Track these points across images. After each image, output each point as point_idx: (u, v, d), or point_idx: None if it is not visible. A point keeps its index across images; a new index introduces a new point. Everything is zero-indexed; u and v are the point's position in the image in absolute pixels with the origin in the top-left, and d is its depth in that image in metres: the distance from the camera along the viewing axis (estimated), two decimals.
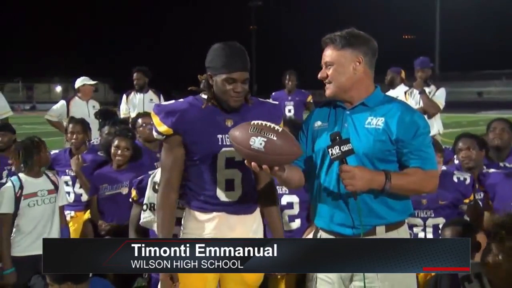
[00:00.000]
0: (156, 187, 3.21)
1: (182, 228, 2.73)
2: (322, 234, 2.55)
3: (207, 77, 2.58)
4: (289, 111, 8.00)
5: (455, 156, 4.32)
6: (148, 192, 3.35)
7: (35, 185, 3.97)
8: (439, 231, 3.57)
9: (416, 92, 6.63)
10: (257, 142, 2.21)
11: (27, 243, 3.91)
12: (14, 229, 3.91)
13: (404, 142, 2.37)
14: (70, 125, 5.10)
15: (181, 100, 2.64)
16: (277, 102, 2.81)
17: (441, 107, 6.60)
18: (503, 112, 36.24)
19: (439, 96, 6.60)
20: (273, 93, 8.33)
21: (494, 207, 3.47)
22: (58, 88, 74.37)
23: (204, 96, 2.63)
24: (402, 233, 2.49)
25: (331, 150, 2.28)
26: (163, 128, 2.56)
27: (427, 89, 6.59)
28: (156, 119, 2.58)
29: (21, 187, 3.90)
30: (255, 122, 2.28)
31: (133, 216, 3.68)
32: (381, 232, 2.42)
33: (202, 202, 2.64)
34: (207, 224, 2.64)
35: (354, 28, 2.50)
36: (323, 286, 2.53)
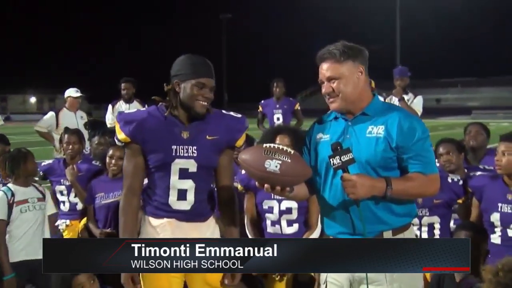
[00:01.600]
0: None
1: (139, 232, 2.71)
2: None
3: (174, 85, 2.58)
4: (278, 119, 7.97)
5: (436, 160, 4.38)
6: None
7: (25, 193, 4.00)
8: (434, 230, 3.62)
9: (395, 99, 6.74)
10: (273, 165, 2.23)
11: (18, 249, 3.89)
12: (7, 236, 3.90)
13: (404, 148, 2.36)
14: (66, 136, 5.02)
15: (143, 109, 2.68)
16: (240, 116, 2.77)
17: (419, 113, 6.71)
18: (460, 117, 37.18)
19: (417, 103, 6.75)
20: (262, 101, 8.30)
21: (482, 207, 3.50)
22: (33, 99, 73.04)
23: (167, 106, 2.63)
24: (408, 236, 2.47)
25: (332, 160, 2.28)
26: (121, 136, 2.60)
27: (405, 97, 6.72)
28: (117, 127, 2.61)
29: (13, 195, 3.93)
30: (268, 145, 2.29)
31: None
32: (387, 236, 2.40)
33: (155, 208, 2.65)
34: (158, 229, 2.64)
35: (343, 41, 2.48)
36: None
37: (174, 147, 2.56)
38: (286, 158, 2.24)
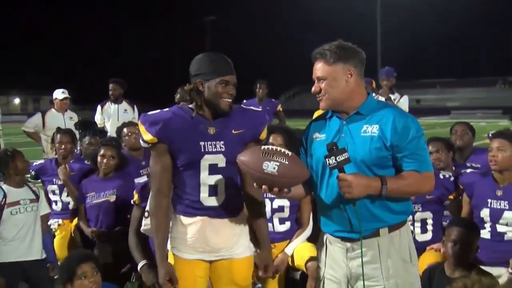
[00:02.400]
0: None
1: (170, 231, 2.68)
2: (329, 238, 2.53)
3: (197, 84, 2.55)
4: None
5: None
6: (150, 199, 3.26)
7: (17, 194, 3.93)
8: (426, 226, 3.64)
9: (382, 99, 6.78)
10: (271, 167, 2.23)
11: (9, 250, 3.84)
12: None
13: (399, 147, 2.35)
14: (58, 136, 4.98)
15: (166, 109, 2.63)
16: (260, 109, 2.81)
17: None
18: (440, 117, 37.51)
19: (403, 103, 6.85)
20: (244, 101, 8.26)
21: (472, 204, 3.54)
22: (17, 100, 72.09)
23: (189, 106, 2.61)
24: (404, 232, 2.47)
25: (328, 160, 2.28)
26: (148, 136, 2.55)
27: (392, 96, 6.80)
28: (142, 128, 2.57)
29: (5, 196, 3.86)
30: (266, 147, 2.30)
31: (133, 219, 3.61)
32: (384, 233, 2.41)
33: (186, 207, 2.62)
34: (191, 227, 2.62)
35: (341, 40, 2.48)
36: (330, 286, 2.51)
37: (202, 143, 2.54)
38: (284, 160, 2.24)
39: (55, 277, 3.80)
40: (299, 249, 3.65)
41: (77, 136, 5.65)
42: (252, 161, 2.27)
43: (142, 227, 3.32)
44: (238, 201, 2.70)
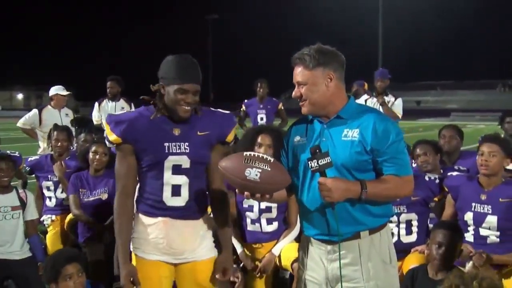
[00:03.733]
0: None
1: (132, 231, 2.65)
2: (311, 240, 2.53)
3: (159, 87, 2.54)
4: (261, 119, 7.91)
5: (413, 161, 4.42)
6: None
7: None
8: (412, 227, 3.64)
9: (374, 100, 6.77)
10: (253, 173, 2.21)
11: None
12: None
13: (379, 151, 2.34)
14: (55, 133, 4.98)
15: (133, 110, 2.63)
16: (228, 112, 2.76)
17: (400, 116, 6.75)
18: (439, 119, 37.48)
19: (398, 105, 6.78)
20: (245, 100, 8.25)
21: (457, 206, 3.54)
22: (20, 96, 72.15)
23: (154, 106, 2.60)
24: (384, 234, 2.47)
25: (310, 163, 2.27)
26: (113, 137, 2.53)
27: (386, 98, 6.74)
28: (107, 128, 2.55)
29: None
30: (248, 153, 2.27)
31: None
32: (364, 236, 2.41)
33: (148, 207, 2.60)
34: (153, 228, 2.59)
35: (320, 43, 2.45)
36: (312, 287, 2.51)
37: (166, 144, 2.52)
38: (266, 167, 2.23)
39: None
40: (286, 250, 3.66)
41: (73, 133, 5.66)
42: (234, 167, 2.25)
43: None
44: (202, 202, 2.68)
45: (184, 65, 2.50)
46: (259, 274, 3.68)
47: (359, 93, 7.57)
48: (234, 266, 3.41)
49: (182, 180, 2.56)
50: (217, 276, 2.64)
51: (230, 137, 2.66)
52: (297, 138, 2.52)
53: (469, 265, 3.17)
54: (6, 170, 3.92)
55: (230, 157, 2.32)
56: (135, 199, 2.65)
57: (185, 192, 2.57)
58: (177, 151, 2.53)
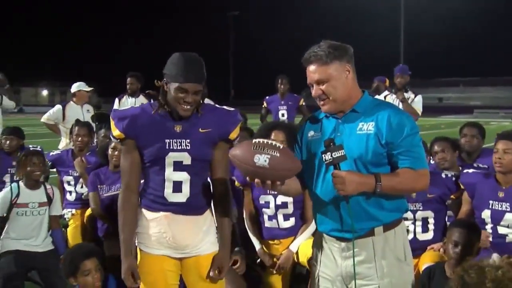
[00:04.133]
0: None
1: (137, 226, 2.68)
2: (324, 237, 2.52)
3: (163, 83, 2.56)
4: (283, 115, 7.90)
5: (430, 158, 4.37)
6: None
7: (28, 197, 3.98)
8: (428, 225, 3.60)
9: (394, 97, 6.70)
10: (262, 159, 2.20)
11: (13, 242, 3.93)
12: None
13: (394, 144, 2.32)
14: (76, 128, 5.08)
15: (137, 106, 2.65)
16: (232, 109, 2.75)
17: (420, 112, 6.68)
18: (461, 116, 36.90)
19: (418, 102, 6.70)
20: (267, 97, 8.25)
21: (473, 204, 3.50)
22: (45, 92, 73.27)
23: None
24: (399, 231, 2.45)
25: (324, 156, 2.26)
26: (116, 132, 2.56)
27: (406, 95, 6.67)
28: (112, 124, 2.58)
29: (18, 195, 3.93)
30: (257, 140, 2.26)
31: None
32: (379, 233, 2.39)
33: (150, 202, 2.62)
34: (154, 222, 2.61)
35: (326, 40, 2.42)
36: (325, 284, 2.51)
37: (167, 140, 2.54)
38: (275, 153, 2.21)
39: None
40: (303, 246, 3.65)
41: (94, 128, 5.73)
42: (243, 154, 2.24)
43: None
44: (204, 198, 2.68)
45: (186, 64, 2.49)
46: (277, 270, 3.69)
47: (380, 89, 7.50)
48: (236, 249, 3.40)
49: (183, 176, 2.58)
50: (211, 274, 2.64)
51: (233, 135, 2.65)
52: (311, 133, 2.51)
53: (494, 256, 3.11)
54: (38, 165, 4.00)
55: (239, 145, 2.32)
56: (139, 194, 2.68)
57: (186, 188, 2.59)
58: (178, 148, 2.54)
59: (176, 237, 2.60)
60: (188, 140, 2.56)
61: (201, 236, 2.65)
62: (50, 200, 4.07)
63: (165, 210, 2.60)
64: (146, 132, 2.54)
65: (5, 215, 3.91)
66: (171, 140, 2.55)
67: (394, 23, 46.39)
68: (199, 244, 2.65)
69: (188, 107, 2.50)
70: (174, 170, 2.56)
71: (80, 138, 4.97)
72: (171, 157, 2.55)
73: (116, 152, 4.40)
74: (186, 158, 2.56)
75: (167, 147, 2.55)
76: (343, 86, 2.37)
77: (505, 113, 38.58)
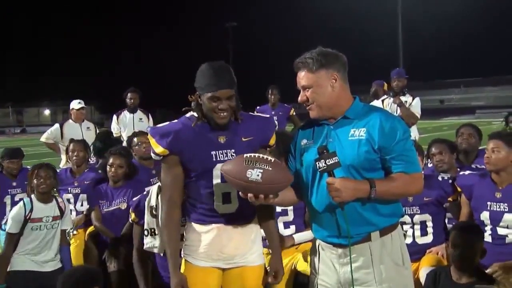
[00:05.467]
0: (153, 211, 3.20)
1: (184, 239, 2.70)
2: (321, 244, 2.53)
3: (196, 97, 2.57)
4: None
5: (428, 160, 4.37)
6: (147, 217, 3.27)
7: (42, 211, 3.97)
8: (427, 228, 3.58)
9: (390, 101, 6.68)
10: (254, 174, 2.22)
11: (24, 259, 3.90)
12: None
13: (386, 149, 2.34)
14: (71, 145, 5.12)
15: (175, 121, 2.63)
16: (268, 116, 2.80)
17: (418, 116, 6.65)
18: (463, 117, 36.87)
19: (416, 105, 6.65)
20: (257, 107, 8.26)
21: (472, 206, 3.48)
22: (47, 112, 73.71)
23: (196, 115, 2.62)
24: (396, 236, 2.45)
25: (318, 163, 2.27)
26: (159, 149, 2.55)
27: (403, 98, 6.64)
28: (152, 141, 2.57)
29: (31, 210, 3.92)
30: (248, 155, 2.27)
31: (134, 236, 3.60)
32: (375, 238, 2.40)
33: (200, 215, 2.63)
34: (206, 235, 2.63)
35: (321, 47, 2.47)
36: None
37: (213, 152, 2.54)
38: (267, 167, 2.23)
39: None
40: (304, 254, 3.64)
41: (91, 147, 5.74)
42: (235, 170, 2.26)
43: (145, 246, 3.32)
44: (251, 207, 2.66)
45: (214, 72, 2.50)
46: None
47: (378, 94, 7.48)
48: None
49: (231, 187, 2.55)
50: (269, 280, 2.68)
51: (272, 141, 2.69)
52: (304, 141, 2.53)
53: None
54: (45, 177, 3.99)
55: (231, 160, 2.34)
56: (185, 209, 2.68)
57: (234, 198, 2.59)
58: (225, 159, 2.54)
59: (226, 248, 2.61)
60: (233, 150, 2.56)
61: (249, 245, 2.67)
62: (62, 213, 4.07)
63: (216, 222, 2.61)
64: (191, 146, 2.54)
65: (17, 232, 3.87)
66: (217, 152, 2.56)
67: (392, 26, 46.51)
68: (246, 253, 2.66)
69: (224, 114, 2.51)
70: (222, 181, 2.54)
71: (76, 153, 5.00)
72: (218, 169, 2.53)
73: (113, 169, 4.44)
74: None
75: (214, 159, 2.55)
76: (328, 93, 2.40)
77: (508, 112, 38.50)
